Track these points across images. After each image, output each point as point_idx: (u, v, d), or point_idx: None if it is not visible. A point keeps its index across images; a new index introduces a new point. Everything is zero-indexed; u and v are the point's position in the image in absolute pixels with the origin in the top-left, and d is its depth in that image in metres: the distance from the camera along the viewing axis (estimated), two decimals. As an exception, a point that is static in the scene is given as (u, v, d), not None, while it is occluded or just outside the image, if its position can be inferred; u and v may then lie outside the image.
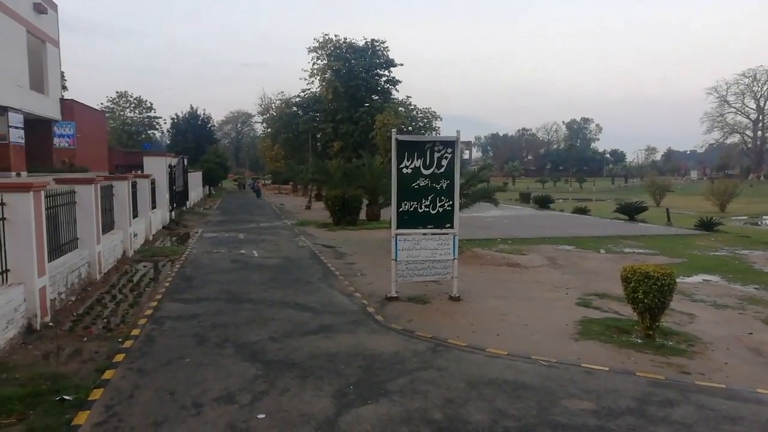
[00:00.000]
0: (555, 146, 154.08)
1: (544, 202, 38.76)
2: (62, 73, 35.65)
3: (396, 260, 9.72)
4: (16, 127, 25.68)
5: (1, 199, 7.04)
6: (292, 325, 8.08)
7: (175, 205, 24.92)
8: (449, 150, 9.76)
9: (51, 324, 7.77)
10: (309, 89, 53.97)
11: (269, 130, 58.14)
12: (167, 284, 10.83)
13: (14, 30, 26.22)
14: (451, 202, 9.84)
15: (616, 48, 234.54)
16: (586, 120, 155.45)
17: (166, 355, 6.66)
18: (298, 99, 54.86)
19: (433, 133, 47.72)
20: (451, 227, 9.87)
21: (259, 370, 6.18)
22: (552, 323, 8.47)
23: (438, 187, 9.76)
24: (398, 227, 9.72)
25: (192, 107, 64.73)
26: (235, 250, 15.93)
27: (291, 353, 6.77)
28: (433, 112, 49.94)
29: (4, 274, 7.07)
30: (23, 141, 26.55)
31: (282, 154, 54.43)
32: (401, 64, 51.87)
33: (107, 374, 5.95)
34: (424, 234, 9.81)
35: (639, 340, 7.55)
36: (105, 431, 4.66)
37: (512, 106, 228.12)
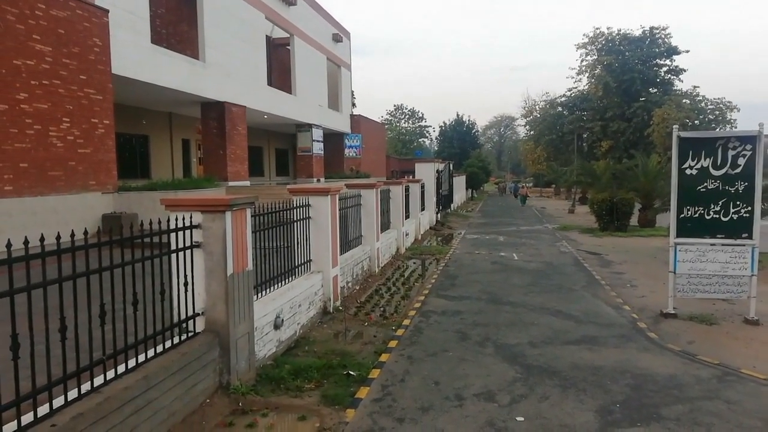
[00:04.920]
0: None
1: None
2: (352, 91, 41.23)
3: (675, 272, 8.64)
4: (318, 141, 30.75)
5: (308, 201, 8.52)
6: (552, 331, 7.88)
7: (441, 207, 26.58)
8: (748, 146, 8.28)
9: (340, 308, 9.09)
10: (576, 87, 51.76)
11: (532, 132, 57.55)
12: (433, 281, 11.63)
13: (318, 59, 31.40)
14: (749, 208, 8.33)
15: None
16: None
17: (431, 346, 7.18)
18: (563, 99, 53.06)
19: (728, 126, 41.05)
20: (749, 237, 8.35)
21: (519, 373, 6.20)
22: None
23: (732, 190, 8.37)
24: (678, 235, 8.64)
25: (458, 115, 68.33)
26: (495, 252, 16.22)
27: (551, 360, 6.62)
28: (728, 102, 42.75)
29: (308, 264, 8.53)
30: (322, 152, 31.59)
31: (544, 156, 53.26)
32: (686, 51, 45.97)
33: (383, 357, 6.70)
34: (712, 244, 8.51)
35: None
36: (381, 407, 5.27)
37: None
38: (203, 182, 18.36)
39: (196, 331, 5.19)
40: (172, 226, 4.94)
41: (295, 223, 7.99)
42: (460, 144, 66.11)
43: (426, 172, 24.44)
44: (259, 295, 6.49)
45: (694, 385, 5.83)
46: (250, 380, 5.62)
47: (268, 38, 28.17)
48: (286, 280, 7.53)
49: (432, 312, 9.00)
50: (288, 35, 28.09)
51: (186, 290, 5.05)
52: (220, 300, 5.23)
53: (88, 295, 3.78)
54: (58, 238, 3.53)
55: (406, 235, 16.85)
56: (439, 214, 25.67)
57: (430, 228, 22.99)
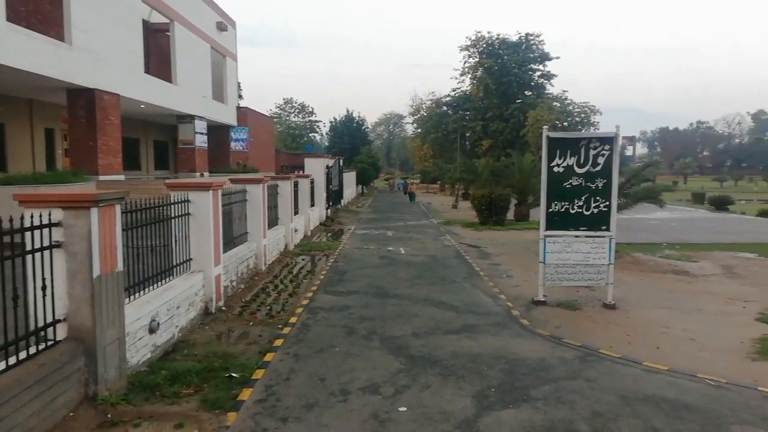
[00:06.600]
0: (738, 141, 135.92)
1: (721, 204, 34.61)
2: (238, 83, 39.79)
3: (544, 263, 9.35)
4: (201, 133, 29.32)
5: (188, 197, 8.09)
6: (435, 322, 8.18)
7: (331, 203, 26.53)
8: (606, 147, 9.15)
9: (223, 308, 8.76)
10: (459, 88, 53.96)
11: (419, 130, 59.28)
12: (322, 277, 11.59)
13: (201, 48, 29.90)
14: (607, 203, 9.22)
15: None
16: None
17: (318, 342, 7.15)
18: (448, 98, 55.15)
19: (591, 128, 44.95)
20: (608, 230, 9.25)
21: (402, 364, 6.36)
22: (724, 339, 7.53)
23: (593, 186, 9.21)
24: (547, 228, 9.35)
25: (348, 111, 68.48)
26: (383, 246, 16.53)
27: (433, 350, 6.87)
28: (592, 106, 46.84)
29: (188, 263, 8.11)
30: (206, 145, 30.18)
31: (431, 154, 55.10)
32: (557, 58, 49.83)
33: (268, 357, 6.55)
34: (576, 236, 9.31)
35: (840, 368, 6.41)
36: (264, 408, 5.15)
37: (685, 97, 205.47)
38: (69, 176, 16.71)
39: (57, 339, 4.73)
40: (28, 224, 4.46)
41: (174, 220, 7.56)
42: (350, 140, 66.47)
43: (316, 167, 24.29)
44: (132, 297, 6.07)
45: (559, 367, 6.35)
46: (121, 389, 5.23)
47: (146, 23, 26.33)
48: (163, 281, 7.11)
49: (320, 308, 8.96)
50: (168, 20, 26.46)
51: (44, 295, 4.59)
52: (85, 304, 4.81)
53: None
54: None
55: (295, 231, 16.63)
56: (329, 210, 25.62)
57: (321, 224, 22.89)
